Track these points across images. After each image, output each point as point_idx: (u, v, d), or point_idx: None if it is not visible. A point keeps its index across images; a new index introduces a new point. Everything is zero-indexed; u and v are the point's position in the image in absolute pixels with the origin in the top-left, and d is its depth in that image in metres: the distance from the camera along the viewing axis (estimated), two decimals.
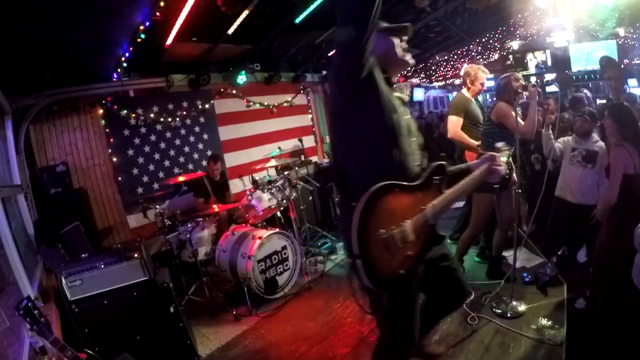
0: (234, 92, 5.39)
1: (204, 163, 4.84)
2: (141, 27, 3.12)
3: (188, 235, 3.43)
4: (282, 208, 4.06)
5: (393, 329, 1.49)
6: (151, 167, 4.46)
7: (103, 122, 4.13)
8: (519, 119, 2.62)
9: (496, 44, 8.71)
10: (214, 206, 3.54)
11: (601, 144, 3.04)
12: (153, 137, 4.49)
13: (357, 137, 1.33)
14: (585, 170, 3.06)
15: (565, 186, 3.20)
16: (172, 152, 4.65)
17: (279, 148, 4.96)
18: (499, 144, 1.79)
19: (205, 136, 5.00)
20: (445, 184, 1.44)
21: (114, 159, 4.18)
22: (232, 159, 5.33)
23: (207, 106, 5.01)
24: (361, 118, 1.30)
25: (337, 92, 1.38)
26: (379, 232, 1.17)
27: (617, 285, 1.78)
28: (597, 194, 2.97)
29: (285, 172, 4.25)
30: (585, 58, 9.26)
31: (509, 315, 2.55)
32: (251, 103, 5.65)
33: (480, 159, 1.60)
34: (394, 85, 1.55)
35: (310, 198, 5.31)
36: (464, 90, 3.37)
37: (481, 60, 9.10)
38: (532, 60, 9.94)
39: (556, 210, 3.28)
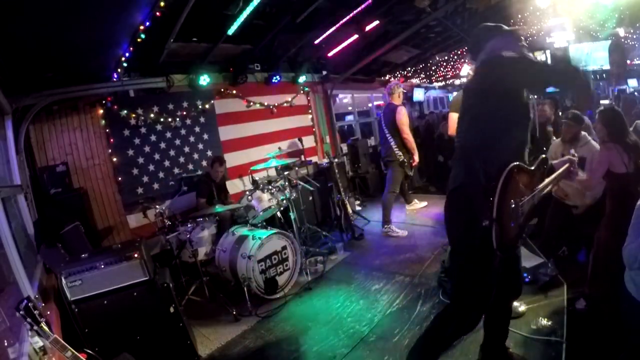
0: (234, 92, 5.39)
1: (204, 163, 4.84)
2: (141, 27, 3.12)
3: (188, 235, 3.43)
4: (282, 208, 4.06)
5: (471, 292, 1.64)
6: (151, 167, 4.46)
7: (103, 122, 4.13)
8: None
9: None
10: (216, 207, 3.54)
11: (591, 145, 3.04)
12: (153, 137, 4.49)
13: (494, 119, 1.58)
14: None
15: (559, 190, 3.20)
16: (172, 152, 4.65)
17: (279, 148, 4.96)
18: (573, 151, 2.09)
19: (205, 136, 5.00)
20: (547, 173, 1.74)
21: (114, 159, 4.18)
22: (232, 159, 5.33)
23: (207, 106, 5.01)
24: (507, 99, 1.57)
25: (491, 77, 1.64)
26: (510, 203, 1.46)
27: (615, 285, 1.79)
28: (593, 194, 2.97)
29: (285, 172, 4.26)
30: (585, 58, 9.25)
31: None
32: (251, 103, 5.66)
33: (560, 161, 1.89)
34: None
35: (310, 198, 5.31)
36: None
37: None
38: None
39: (554, 211, 3.28)
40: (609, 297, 2.23)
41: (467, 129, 1.68)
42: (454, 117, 3.31)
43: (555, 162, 1.85)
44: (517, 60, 1.61)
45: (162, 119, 4.54)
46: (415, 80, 9.91)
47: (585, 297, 2.60)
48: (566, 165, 1.82)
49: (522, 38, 1.79)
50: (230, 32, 3.98)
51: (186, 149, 4.80)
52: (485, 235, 1.43)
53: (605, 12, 6.82)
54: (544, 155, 1.70)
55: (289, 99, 6.26)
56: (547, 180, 1.70)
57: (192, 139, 4.86)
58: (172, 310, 2.47)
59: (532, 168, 1.61)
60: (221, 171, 4.31)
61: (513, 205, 1.47)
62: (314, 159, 6.54)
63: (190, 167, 4.81)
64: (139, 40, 3.28)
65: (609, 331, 2.19)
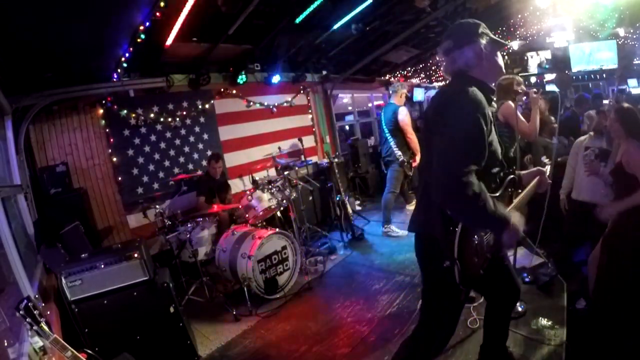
0: (234, 92, 5.39)
1: (204, 163, 4.84)
2: (141, 27, 3.12)
3: (188, 235, 3.43)
4: (282, 208, 4.06)
5: (437, 327, 1.63)
6: (151, 167, 4.46)
7: (103, 122, 4.13)
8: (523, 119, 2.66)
9: None
10: (214, 206, 3.54)
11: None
12: (153, 137, 4.49)
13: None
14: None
15: (577, 186, 3.07)
16: (172, 152, 4.65)
17: (279, 148, 4.96)
18: (545, 160, 2.00)
19: (205, 136, 5.00)
20: (515, 194, 1.65)
21: (114, 159, 4.18)
22: (232, 159, 5.33)
23: (207, 106, 5.00)
24: None
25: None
26: (473, 240, 1.40)
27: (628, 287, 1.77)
28: (606, 193, 2.89)
29: (285, 172, 4.26)
30: (586, 58, 9.26)
31: None
32: (251, 103, 5.66)
33: (530, 173, 1.77)
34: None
35: (310, 198, 5.31)
36: None
37: None
38: (534, 57, 9.92)
39: (574, 213, 3.17)
40: (621, 299, 2.19)
41: (427, 162, 1.46)
42: None
43: (524, 174, 1.74)
44: (464, 126, 1.32)
45: (162, 119, 4.54)
46: (415, 80, 9.91)
47: (585, 297, 2.59)
48: (537, 179, 1.72)
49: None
50: (230, 32, 3.98)
51: (186, 149, 4.80)
52: (450, 273, 1.39)
53: (605, 12, 6.82)
54: (512, 177, 1.59)
55: (289, 99, 6.25)
56: (520, 197, 1.61)
57: (192, 139, 4.86)
58: (172, 310, 2.47)
59: (497, 195, 1.48)
60: (218, 167, 4.32)
61: (477, 241, 1.41)
62: (314, 159, 6.54)
63: (190, 167, 4.81)
64: (138, 40, 3.28)
65: (609, 331, 2.19)
